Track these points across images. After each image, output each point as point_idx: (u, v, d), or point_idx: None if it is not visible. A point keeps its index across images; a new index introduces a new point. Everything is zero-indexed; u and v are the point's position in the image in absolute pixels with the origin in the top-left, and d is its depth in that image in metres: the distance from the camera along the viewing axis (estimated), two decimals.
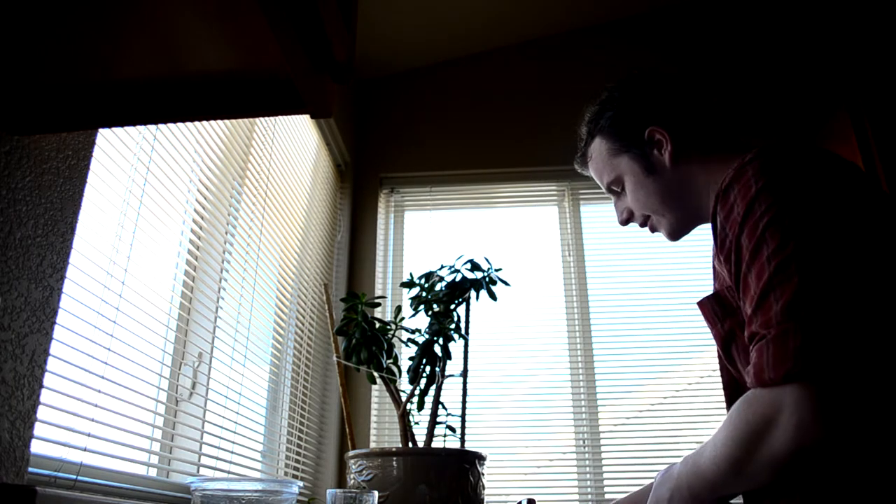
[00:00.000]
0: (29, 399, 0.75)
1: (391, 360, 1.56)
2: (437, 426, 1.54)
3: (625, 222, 1.10)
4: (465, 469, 1.37)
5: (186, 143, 1.31)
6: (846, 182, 0.75)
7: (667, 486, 0.86)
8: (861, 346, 0.64)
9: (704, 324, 0.91)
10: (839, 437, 0.64)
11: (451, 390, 1.86)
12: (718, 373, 0.95)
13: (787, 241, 0.70)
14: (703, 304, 0.90)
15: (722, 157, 0.96)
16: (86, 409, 0.94)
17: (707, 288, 0.94)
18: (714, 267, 0.91)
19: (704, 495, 0.79)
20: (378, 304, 1.73)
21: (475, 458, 1.41)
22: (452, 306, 1.60)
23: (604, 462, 2.17)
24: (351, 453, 1.41)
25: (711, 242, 0.87)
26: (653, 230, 1.07)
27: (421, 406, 1.56)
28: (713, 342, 0.92)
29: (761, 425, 0.68)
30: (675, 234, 1.04)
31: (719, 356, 0.93)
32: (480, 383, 2.27)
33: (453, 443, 1.59)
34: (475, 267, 1.63)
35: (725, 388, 0.94)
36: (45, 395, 0.79)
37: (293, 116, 1.97)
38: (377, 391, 2.26)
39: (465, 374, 1.62)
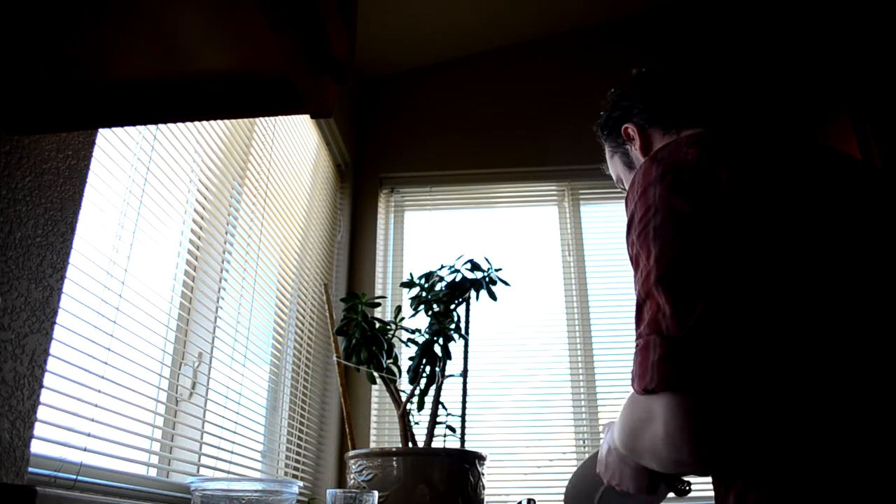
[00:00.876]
0: (29, 399, 0.75)
1: (391, 360, 1.56)
2: (437, 426, 1.54)
3: None
4: (465, 469, 1.37)
5: (186, 143, 1.31)
6: (740, 177, 0.71)
7: (604, 447, 0.89)
8: (723, 354, 0.63)
9: None
10: (707, 449, 0.63)
11: (451, 390, 1.86)
12: None
13: (651, 253, 0.70)
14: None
15: (689, 133, 0.94)
16: (86, 409, 0.94)
17: None
18: None
19: (629, 459, 0.82)
20: (378, 304, 1.73)
21: (475, 458, 1.41)
22: (452, 306, 1.60)
23: None
24: (351, 453, 1.41)
25: None
26: None
27: (421, 406, 1.56)
28: None
29: (637, 425, 0.70)
30: None
31: None
32: (480, 383, 2.27)
33: (453, 443, 1.60)
34: (475, 267, 1.63)
35: None
36: (45, 395, 0.79)
37: (293, 116, 1.97)
38: (377, 391, 2.26)
39: (465, 374, 1.62)
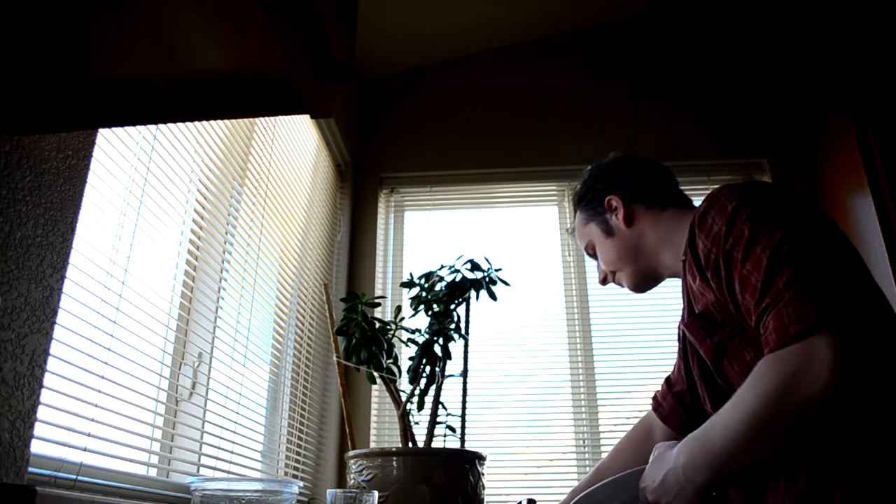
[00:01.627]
0: (29, 399, 0.75)
1: (391, 360, 1.56)
2: (437, 426, 1.54)
3: (602, 282, 1.25)
4: (465, 469, 1.37)
5: (186, 143, 1.31)
6: (807, 204, 0.87)
7: (662, 468, 0.88)
8: (862, 301, 0.74)
9: None
10: (866, 380, 0.72)
11: (451, 390, 1.86)
12: None
13: (775, 233, 0.80)
14: (690, 325, 0.94)
15: (671, 215, 1.12)
16: (86, 409, 0.94)
17: None
18: (688, 293, 0.99)
19: (702, 475, 0.82)
20: (378, 304, 1.73)
21: (475, 458, 1.41)
22: (452, 306, 1.60)
23: None
24: (351, 453, 1.41)
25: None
26: (619, 285, 1.23)
27: (421, 406, 1.56)
28: None
29: (791, 378, 0.73)
30: (636, 286, 1.19)
31: (697, 376, 0.97)
32: (480, 383, 2.27)
33: (453, 443, 1.59)
34: (475, 267, 1.62)
35: (703, 402, 0.97)
36: (45, 395, 0.79)
37: (293, 116, 1.97)
38: (377, 391, 2.26)
39: (465, 374, 1.62)
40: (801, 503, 0.76)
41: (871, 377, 0.73)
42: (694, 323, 0.94)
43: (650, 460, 0.93)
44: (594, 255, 1.25)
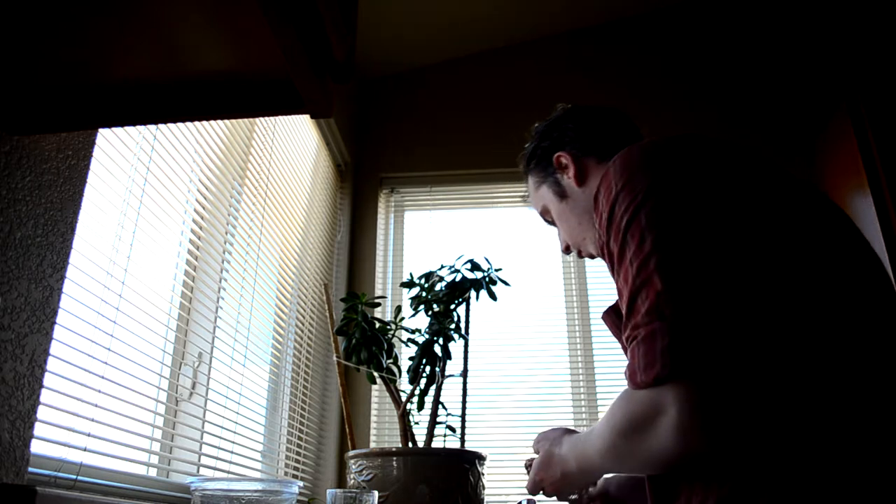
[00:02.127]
0: (29, 399, 0.75)
1: (391, 360, 1.56)
2: (437, 426, 1.54)
3: (566, 251, 1.13)
4: (465, 469, 1.37)
5: (186, 143, 1.31)
6: (720, 169, 0.72)
7: (557, 467, 0.90)
8: (730, 340, 0.62)
9: None
10: (720, 437, 0.62)
11: (451, 390, 1.86)
12: None
13: (645, 240, 0.68)
14: (606, 317, 0.90)
15: None
16: (86, 409, 0.94)
17: None
18: None
19: (594, 475, 0.86)
20: (378, 304, 1.73)
21: (475, 458, 1.41)
22: (452, 306, 1.60)
23: None
24: (351, 453, 1.41)
25: None
26: (590, 258, 1.09)
27: (421, 406, 1.56)
28: None
29: (639, 424, 0.66)
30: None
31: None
32: (480, 383, 2.27)
33: (453, 443, 1.59)
34: (475, 267, 1.62)
35: None
36: (45, 395, 0.79)
37: (293, 116, 1.97)
38: (377, 391, 2.26)
39: (465, 374, 1.62)
40: None
41: (737, 427, 0.61)
42: (608, 317, 0.89)
43: (539, 455, 0.96)
44: (552, 222, 1.12)
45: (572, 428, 0.95)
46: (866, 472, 0.60)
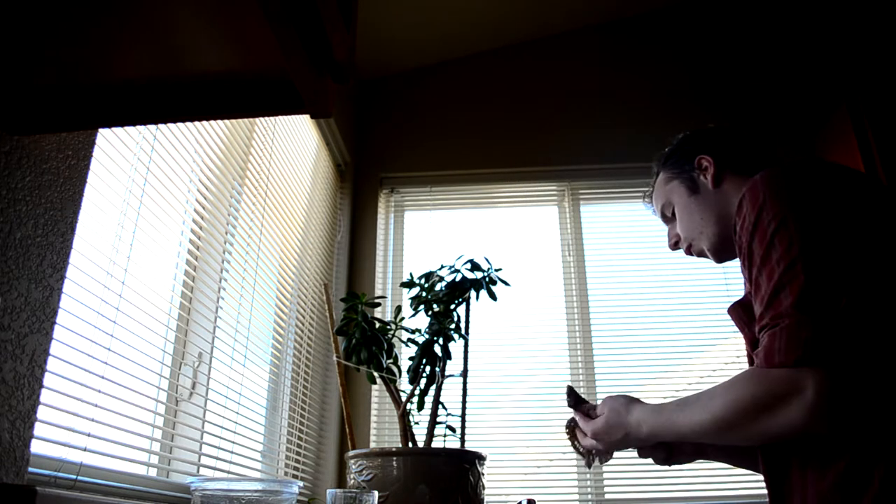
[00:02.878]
0: (29, 399, 0.75)
1: (391, 360, 1.56)
2: (437, 426, 1.54)
3: (673, 246, 1.20)
4: (465, 469, 1.37)
5: (186, 143, 1.31)
6: (849, 189, 0.84)
7: (620, 430, 0.98)
8: (863, 336, 0.72)
9: (705, 324, 0.95)
10: (845, 420, 0.72)
11: (451, 390, 1.86)
12: (717, 373, 0.99)
13: (793, 244, 0.78)
14: (732, 311, 0.97)
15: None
16: (86, 409, 0.94)
17: (704, 289, 0.97)
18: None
19: (665, 439, 0.93)
20: (378, 304, 1.73)
21: (475, 458, 1.40)
22: (452, 306, 1.60)
23: None
24: (351, 453, 1.41)
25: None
26: (698, 254, 1.16)
27: (421, 406, 1.56)
28: (713, 342, 0.96)
29: (769, 399, 0.75)
30: (717, 252, 1.12)
31: (749, 358, 1.00)
32: (480, 383, 2.27)
33: (453, 443, 1.59)
34: (475, 267, 1.62)
35: None
36: (45, 395, 0.79)
37: (293, 116, 1.97)
38: (377, 391, 2.26)
39: (465, 374, 1.62)
40: (823, 502, 0.76)
41: (863, 415, 0.73)
42: (734, 311, 0.96)
43: (605, 411, 1.01)
44: (671, 218, 1.19)
45: (637, 398, 1.01)
46: None
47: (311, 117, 0.70)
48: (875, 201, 0.83)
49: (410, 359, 1.57)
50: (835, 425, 0.73)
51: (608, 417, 1.00)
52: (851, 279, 0.75)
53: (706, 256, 1.15)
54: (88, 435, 0.94)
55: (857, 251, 0.78)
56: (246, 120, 1.63)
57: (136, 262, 1.11)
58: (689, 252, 1.17)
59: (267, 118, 1.75)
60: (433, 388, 1.56)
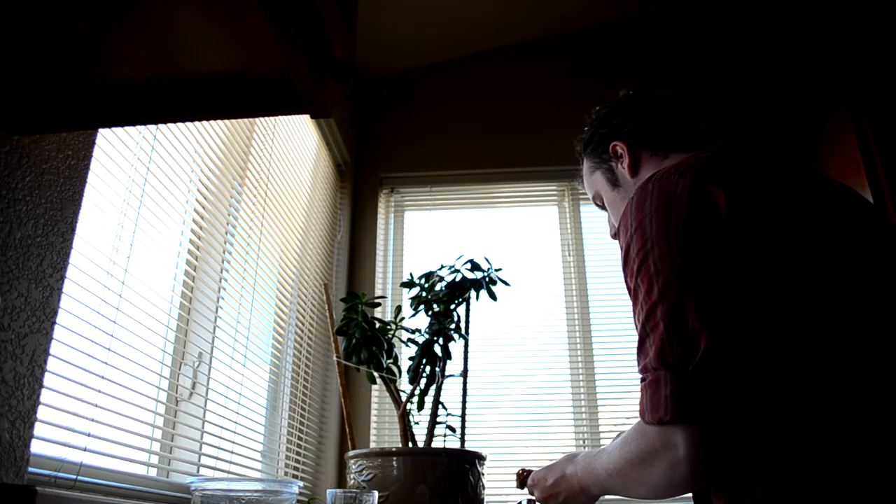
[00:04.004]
0: (29, 399, 0.75)
1: (391, 360, 1.56)
2: (437, 426, 1.54)
3: (614, 236, 1.14)
4: (465, 469, 1.37)
5: (186, 143, 1.31)
6: (751, 203, 0.72)
7: (555, 474, 1.00)
8: (728, 387, 0.66)
9: None
10: (721, 475, 0.69)
11: (451, 390, 1.86)
12: None
13: (653, 287, 0.72)
14: None
15: (676, 158, 0.98)
16: (86, 409, 0.94)
17: None
18: None
19: (593, 491, 0.91)
20: (378, 304, 1.73)
21: (475, 458, 1.40)
22: (452, 306, 1.60)
23: None
24: (351, 453, 1.41)
25: None
26: None
27: (421, 406, 1.56)
28: None
29: (648, 458, 0.73)
30: None
31: None
32: (480, 383, 2.27)
33: (453, 443, 1.59)
34: (475, 267, 1.62)
35: None
36: (45, 395, 0.79)
37: (293, 116, 1.97)
38: (377, 391, 2.26)
39: (465, 374, 1.62)
40: None
41: (735, 466, 0.68)
42: (637, 350, 0.93)
43: (549, 470, 1.03)
44: (603, 206, 1.16)
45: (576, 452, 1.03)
46: None
47: (311, 117, 0.70)
48: (777, 216, 0.73)
49: (410, 359, 1.57)
50: (717, 477, 0.70)
51: (545, 468, 1.04)
52: (717, 325, 0.67)
53: None
54: (88, 435, 0.94)
55: (727, 291, 0.69)
56: (246, 120, 1.63)
57: (136, 262, 1.11)
58: None
59: (267, 118, 1.75)
60: (433, 388, 1.56)
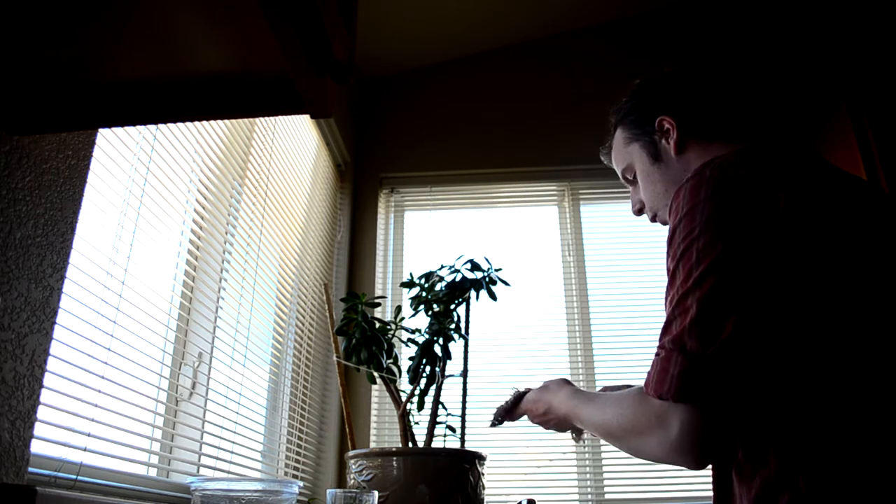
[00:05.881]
0: (29, 399, 0.75)
1: (391, 360, 1.56)
2: (437, 426, 1.54)
3: (637, 212, 1.13)
4: (465, 469, 1.37)
5: (186, 143, 1.31)
6: (779, 210, 0.74)
7: (543, 405, 1.08)
8: (734, 379, 0.70)
9: None
10: (706, 458, 0.73)
11: (451, 390, 1.86)
12: None
13: (691, 275, 0.75)
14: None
15: (722, 147, 0.97)
16: (86, 409, 0.94)
17: None
18: None
19: (578, 423, 0.99)
20: (378, 304, 1.73)
21: (475, 458, 1.40)
22: (452, 306, 1.60)
23: (604, 462, 2.17)
24: (351, 453, 1.41)
25: None
26: (663, 223, 1.08)
27: (421, 406, 1.56)
28: None
29: (640, 427, 0.77)
30: None
31: None
32: (480, 383, 2.26)
33: (453, 443, 1.59)
34: (475, 267, 1.62)
35: None
36: (45, 395, 0.79)
37: (293, 116, 1.97)
38: (377, 391, 2.26)
39: (465, 373, 1.62)
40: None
41: (723, 449, 0.74)
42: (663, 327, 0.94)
43: (541, 385, 1.13)
44: (633, 181, 1.11)
45: (571, 382, 1.09)
46: None
47: (311, 117, 0.70)
48: (833, 213, 0.75)
49: (410, 359, 1.57)
50: (701, 461, 0.73)
51: (538, 390, 1.11)
52: (742, 320, 0.70)
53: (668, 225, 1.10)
54: (88, 435, 0.94)
55: (760, 289, 0.71)
56: (246, 120, 1.63)
57: (136, 262, 1.11)
58: (653, 220, 1.09)
59: (267, 118, 1.75)
60: (433, 388, 1.56)
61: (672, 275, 0.79)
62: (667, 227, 1.05)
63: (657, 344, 0.78)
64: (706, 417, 0.70)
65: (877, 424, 0.68)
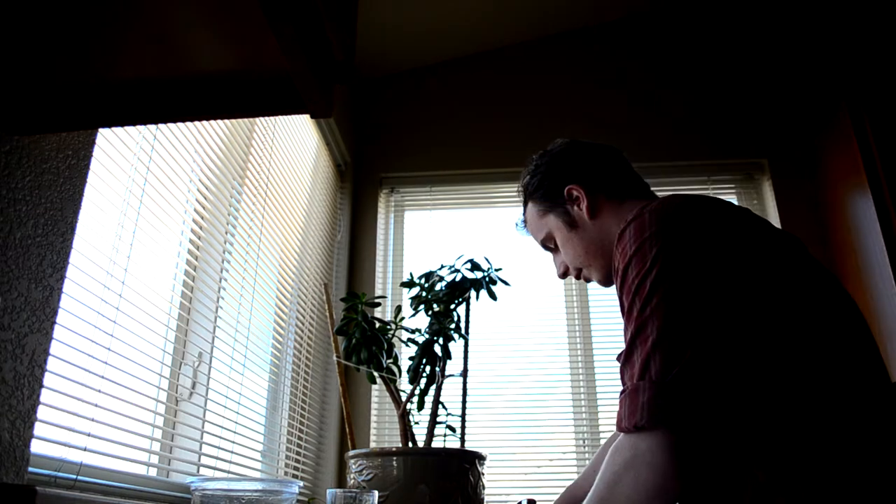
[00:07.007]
0: (29, 399, 0.75)
1: (391, 360, 1.56)
2: (437, 426, 1.54)
3: (562, 275, 1.19)
4: (465, 469, 1.37)
5: (186, 143, 1.31)
6: (720, 238, 0.81)
7: None
8: (701, 399, 0.71)
9: None
10: (689, 475, 0.73)
11: (451, 390, 1.86)
12: None
13: (646, 306, 0.78)
14: (619, 358, 0.94)
15: (630, 208, 1.03)
16: (86, 409, 0.94)
17: None
18: None
19: None
20: (378, 304, 1.73)
21: (475, 458, 1.40)
22: (452, 306, 1.60)
23: None
24: (351, 453, 1.41)
25: None
26: (587, 280, 1.16)
27: (421, 406, 1.56)
28: None
29: (621, 469, 0.76)
30: (606, 280, 1.12)
31: None
32: (480, 383, 2.26)
33: (453, 443, 1.59)
34: (475, 267, 1.62)
35: None
36: (45, 395, 0.79)
37: (293, 116, 1.97)
38: (377, 391, 2.26)
39: (465, 373, 1.62)
40: None
41: (706, 469, 0.73)
42: (620, 359, 0.92)
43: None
44: (554, 249, 1.18)
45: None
46: None
47: (312, 117, 0.70)
48: (750, 251, 0.82)
49: (410, 359, 1.57)
50: (686, 480, 0.73)
51: None
52: (700, 344, 0.73)
53: (591, 282, 1.15)
54: (88, 435, 0.94)
55: (714, 313, 0.75)
56: (246, 120, 1.63)
57: (136, 262, 1.11)
58: (578, 278, 1.17)
59: (267, 118, 1.75)
60: (433, 387, 1.56)
61: (629, 309, 0.82)
62: (596, 282, 1.14)
63: (623, 379, 0.80)
64: (683, 438, 0.72)
65: (838, 430, 0.72)
